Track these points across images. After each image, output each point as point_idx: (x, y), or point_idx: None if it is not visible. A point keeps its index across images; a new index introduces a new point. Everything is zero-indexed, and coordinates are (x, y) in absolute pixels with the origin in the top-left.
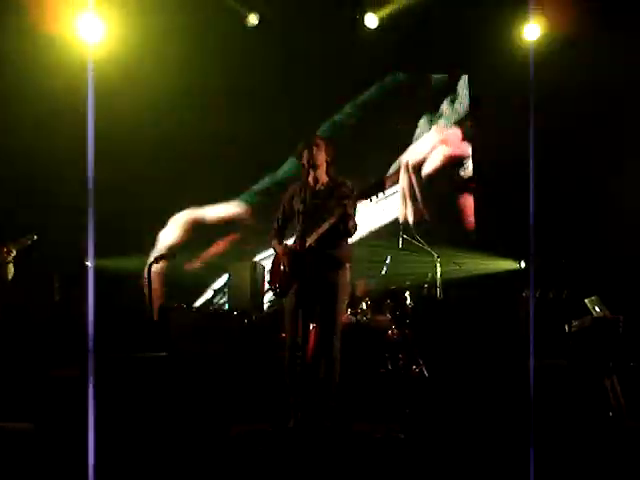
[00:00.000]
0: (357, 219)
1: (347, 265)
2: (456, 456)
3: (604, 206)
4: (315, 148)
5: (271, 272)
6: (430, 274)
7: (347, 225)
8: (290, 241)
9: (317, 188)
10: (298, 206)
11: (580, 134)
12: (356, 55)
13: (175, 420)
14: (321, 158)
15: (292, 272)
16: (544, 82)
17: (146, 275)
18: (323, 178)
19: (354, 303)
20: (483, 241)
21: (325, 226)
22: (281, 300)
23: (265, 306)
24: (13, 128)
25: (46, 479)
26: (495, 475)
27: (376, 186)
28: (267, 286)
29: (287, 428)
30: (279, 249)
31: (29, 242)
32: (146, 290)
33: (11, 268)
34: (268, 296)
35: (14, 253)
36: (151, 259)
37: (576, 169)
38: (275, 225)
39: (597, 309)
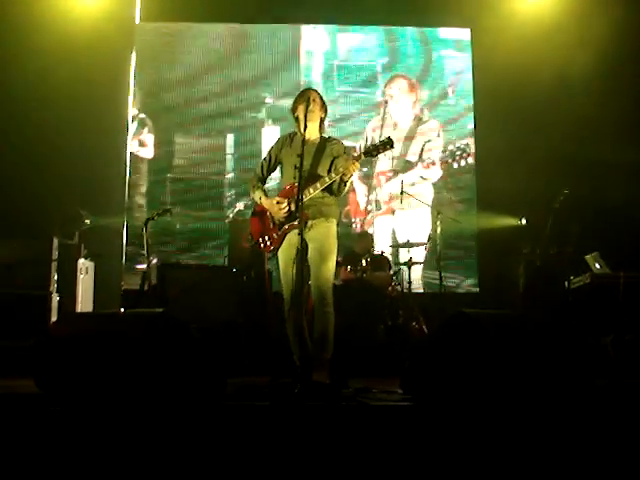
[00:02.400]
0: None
1: (335, 220)
2: (455, 412)
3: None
4: (313, 102)
5: (256, 226)
6: (431, 231)
7: (344, 184)
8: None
9: (310, 141)
10: (289, 157)
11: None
12: None
13: (172, 375)
14: (317, 113)
15: (284, 225)
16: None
17: (143, 231)
18: (316, 134)
19: (354, 260)
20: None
21: (325, 182)
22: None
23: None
24: None
25: (47, 440)
26: (491, 431)
27: (382, 144)
28: (252, 240)
29: (287, 383)
30: (268, 202)
31: None
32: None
33: None
34: None
35: None
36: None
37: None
38: (259, 173)
39: (597, 265)
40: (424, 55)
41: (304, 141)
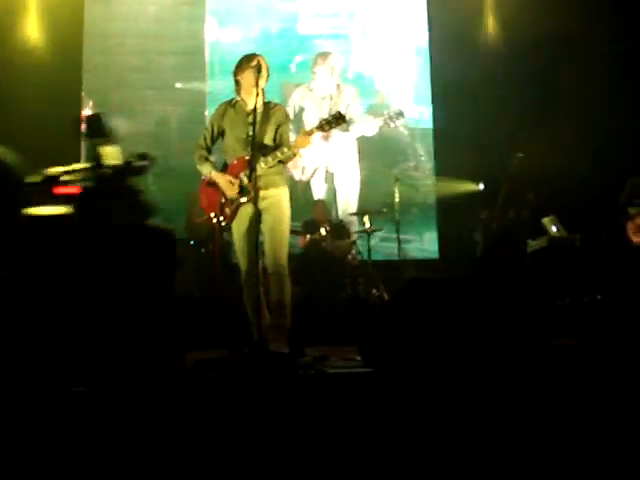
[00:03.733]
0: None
1: (285, 186)
2: (412, 378)
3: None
4: (263, 69)
5: (207, 199)
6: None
7: (294, 155)
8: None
9: (254, 110)
10: (234, 126)
11: None
12: None
13: (132, 348)
14: (264, 80)
15: (237, 199)
16: None
17: None
18: (261, 100)
19: (313, 228)
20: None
21: (278, 156)
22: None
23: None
24: None
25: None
26: (449, 395)
27: (334, 118)
28: (204, 214)
29: (245, 353)
30: (219, 177)
31: None
32: None
33: None
34: None
35: None
36: None
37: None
38: (202, 144)
39: (554, 229)
40: None
41: (255, 109)
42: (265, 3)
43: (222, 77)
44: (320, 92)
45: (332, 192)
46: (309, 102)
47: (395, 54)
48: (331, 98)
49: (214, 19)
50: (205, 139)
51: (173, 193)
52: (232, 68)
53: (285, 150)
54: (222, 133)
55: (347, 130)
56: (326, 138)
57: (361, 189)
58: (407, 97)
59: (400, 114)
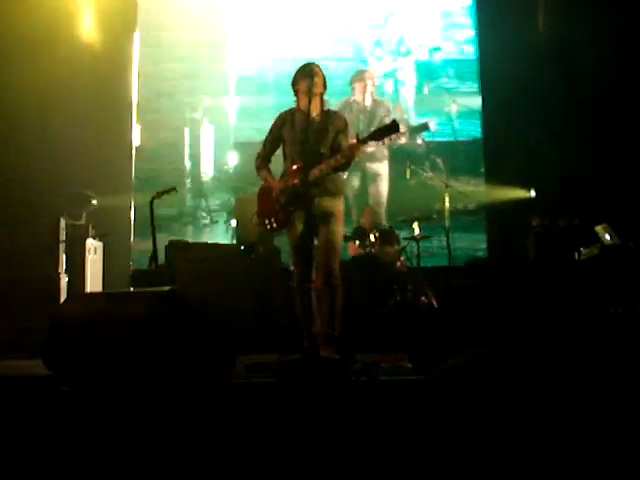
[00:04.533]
0: None
1: (342, 195)
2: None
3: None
4: (316, 77)
5: (261, 205)
6: (439, 204)
7: (349, 163)
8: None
9: (312, 118)
10: (292, 134)
11: None
12: None
13: (180, 353)
14: (319, 88)
15: (291, 206)
16: None
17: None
18: (318, 108)
19: (362, 235)
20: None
21: (332, 163)
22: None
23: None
24: None
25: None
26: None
27: (387, 128)
28: (258, 220)
29: (295, 360)
30: (274, 182)
31: None
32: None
33: None
34: None
35: None
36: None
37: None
38: (262, 152)
39: (607, 237)
40: None
41: (309, 117)
42: None
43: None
44: (357, 106)
45: (373, 199)
46: (347, 115)
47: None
48: (368, 111)
49: None
50: (265, 147)
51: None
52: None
53: (338, 157)
54: (282, 141)
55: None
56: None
57: (407, 196)
58: None
59: (425, 127)
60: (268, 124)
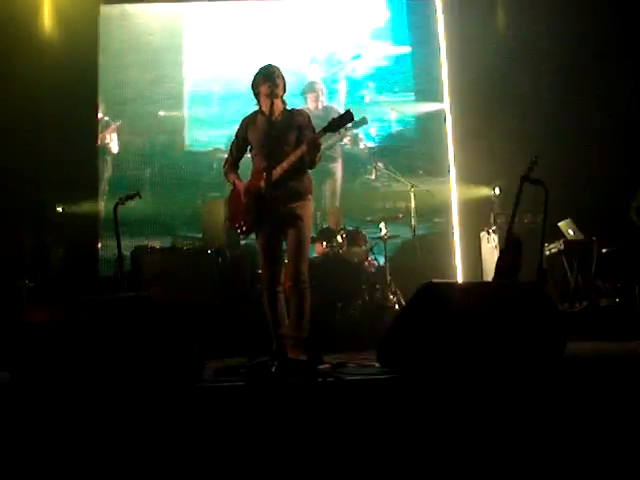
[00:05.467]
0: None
1: (310, 196)
2: (430, 384)
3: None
4: (278, 79)
5: (231, 209)
6: (404, 204)
7: (314, 157)
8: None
9: (275, 119)
10: (256, 137)
11: None
12: None
13: (148, 358)
14: (280, 89)
15: (258, 208)
16: None
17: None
18: (280, 108)
19: (329, 236)
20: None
21: (292, 159)
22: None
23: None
24: None
25: (24, 430)
26: (465, 401)
27: (342, 118)
28: (230, 224)
29: (263, 362)
30: (241, 185)
31: None
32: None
33: None
34: None
35: None
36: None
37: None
38: (229, 157)
39: (571, 232)
40: None
41: (271, 119)
42: None
43: None
44: (311, 113)
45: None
46: None
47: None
48: (321, 116)
49: None
50: (232, 151)
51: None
52: None
53: (297, 152)
54: (248, 144)
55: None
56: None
57: (372, 196)
58: None
59: (364, 120)
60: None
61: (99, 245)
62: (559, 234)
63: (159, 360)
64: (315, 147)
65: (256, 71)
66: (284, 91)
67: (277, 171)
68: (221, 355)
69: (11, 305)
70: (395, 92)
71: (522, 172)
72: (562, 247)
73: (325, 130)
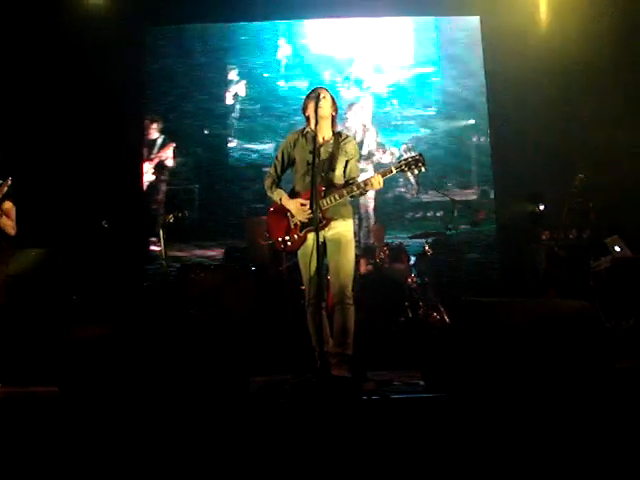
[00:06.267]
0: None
1: (352, 219)
2: (477, 402)
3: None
4: (323, 99)
5: (274, 224)
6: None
7: (364, 194)
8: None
9: (322, 140)
10: (301, 155)
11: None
12: None
13: (195, 374)
14: (327, 110)
15: (303, 226)
16: None
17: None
18: (328, 132)
19: (371, 252)
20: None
21: (344, 193)
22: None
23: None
24: None
25: (73, 443)
26: (512, 420)
27: (416, 161)
28: (270, 239)
29: (308, 380)
30: (289, 204)
31: (6, 187)
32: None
33: None
34: None
35: None
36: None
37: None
38: (273, 173)
39: (617, 249)
40: None
41: (315, 138)
42: None
43: None
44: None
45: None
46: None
47: None
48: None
49: None
50: (275, 168)
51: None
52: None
53: (359, 189)
54: (293, 162)
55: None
56: None
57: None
58: None
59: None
60: None
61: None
62: (606, 251)
63: (205, 376)
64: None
65: (307, 92)
66: (335, 112)
67: (330, 200)
68: (266, 372)
69: (60, 321)
70: (420, 107)
71: (568, 188)
72: (609, 264)
73: (396, 169)
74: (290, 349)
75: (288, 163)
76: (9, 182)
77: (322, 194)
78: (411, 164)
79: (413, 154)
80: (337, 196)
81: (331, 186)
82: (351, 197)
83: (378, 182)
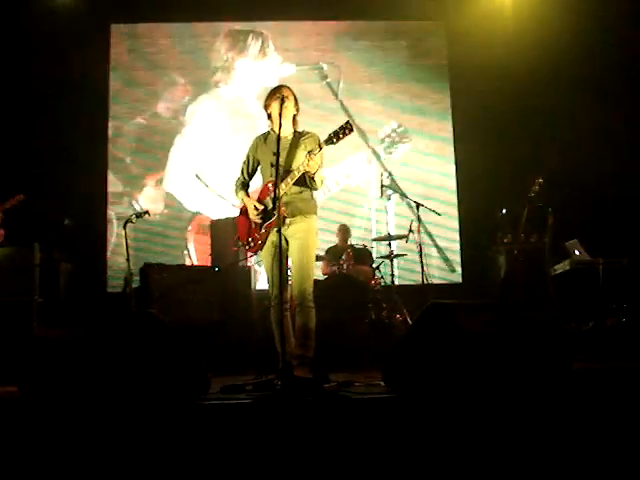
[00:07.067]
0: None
1: (315, 215)
2: (435, 403)
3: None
4: (287, 99)
5: (240, 226)
6: (412, 222)
7: (312, 179)
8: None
9: (284, 138)
10: (265, 156)
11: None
12: None
13: (155, 374)
14: (290, 110)
15: (264, 225)
16: None
17: (123, 233)
18: (290, 129)
19: (336, 253)
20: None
21: (296, 174)
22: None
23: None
24: None
25: (33, 444)
26: (470, 420)
27: (343, 129)
28: (240, 241)
29: (269, 380)
30: (249, 202)
31: (16, 202)
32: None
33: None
34: None
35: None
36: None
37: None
38: (240, 176)
39: (577, 252)
40: None
41: (279, 138)
42: None
43: None
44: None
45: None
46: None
47: None
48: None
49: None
50: (242, 171)
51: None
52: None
53: (300, 167)
54: (258, 164)
55: None
56: None
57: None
58: None
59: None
60: None
61: (108, 261)
62: (565, 254)
63: (166, 376)
64: (315, 168)
65: (268, 92)
66: (297, 111)
67: (282, 187)
68: (228, 373)
69: (21, 321)
70: None
71: (527, 193)
72: (568, 267)
73: (326, 142)
74: (253, 350)
75: (254, 165)
76: (21, 198)
77: (277, 189)
78: (339, 133)
79: (340, 124)
80: (284, 185)
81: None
82: (306, 188)
83: (310, 160)
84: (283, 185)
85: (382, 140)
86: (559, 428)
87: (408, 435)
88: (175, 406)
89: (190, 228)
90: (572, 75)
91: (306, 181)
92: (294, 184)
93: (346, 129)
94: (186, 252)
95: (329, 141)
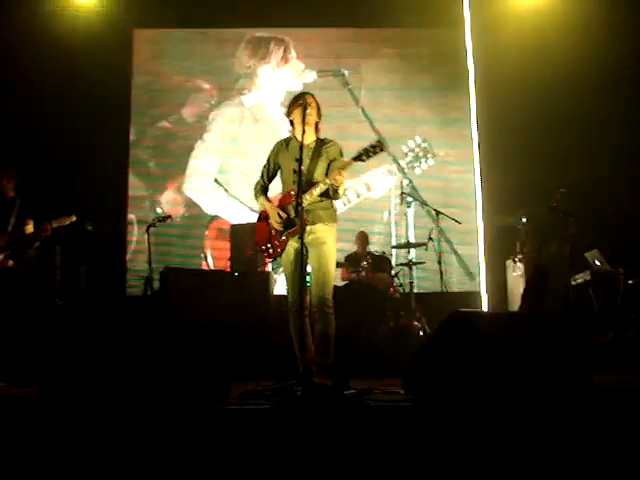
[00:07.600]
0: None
1: (335, 224)
2: (455, 412)
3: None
4: (309, 107)
5: (259, 231)
6: (431, 230)
7: (335, 191)
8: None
9: (306, 146)
10: (287, 162)
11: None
12: None
13: (175, 379)
14: (313, 117)
15: (285, 232)
16: None
17: (146, 237)
18: (312, 137)
19: (355, 260)
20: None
21: (322, 186)
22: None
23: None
24: None
25: (51, 443)
26: (490, 430)
27: (374, 148)
28: (257, 246)
29: (289, 386)
30: (270, 208)
31: (67, 222)
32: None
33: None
34: None
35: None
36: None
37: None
38: (260, 181)
39: (597, 262)
40: None
41: (302, 146)
42: None
43: None
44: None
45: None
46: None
47: None
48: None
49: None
50: (262, 175)
51: None
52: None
53: (327, 180)
54: (279, 169)
55: None
56: None
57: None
58: None
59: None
60: None
61: (128, 264)
62: (586, 265)
63: (186, 381)
64: (340, 180)
65: (291, 98)
66: (319, 118)
67: (307, 198)
68: (248, 378)
69: (43, 323)
70: None
71: (549, 202)
72: (589, 278)
73: (355, 159)
74: (272, 356)
75: (274, 170)
76: (73, 219)
77: (300, 196)
78: (369, 152)
79: (371, 142)
80: (308, 196)
81: (308, 188)
82: (328, 197)
83: (339, 177)
84: (307, 196)
85: (405, 154)
86: (579, 442)
87: (427, 443)
88: (195, 411)
89: (207, 232)
90: (599, 83)
91: (328, 191)
92: (321, 193)
93: (377, 147)
94: (202, 256)
95: (358, 158)
